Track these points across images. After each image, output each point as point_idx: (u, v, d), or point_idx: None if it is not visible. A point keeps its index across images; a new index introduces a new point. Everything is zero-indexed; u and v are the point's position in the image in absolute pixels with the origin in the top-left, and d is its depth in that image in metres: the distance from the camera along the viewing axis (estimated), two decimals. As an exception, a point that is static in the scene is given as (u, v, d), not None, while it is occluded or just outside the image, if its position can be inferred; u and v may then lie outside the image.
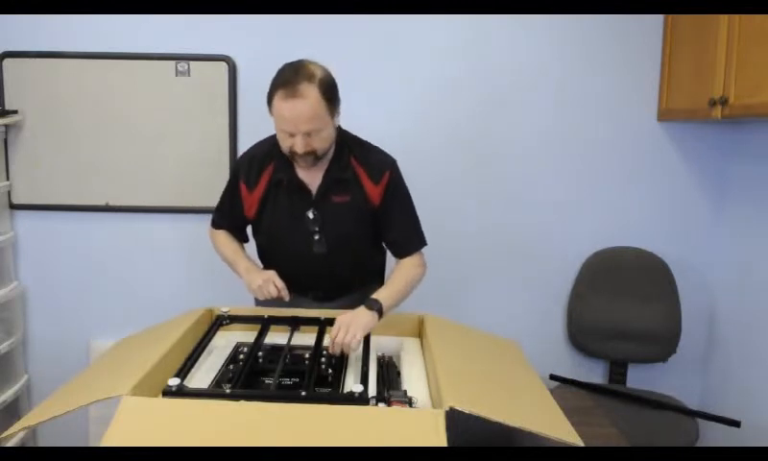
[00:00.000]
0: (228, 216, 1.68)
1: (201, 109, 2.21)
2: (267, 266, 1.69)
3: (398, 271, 1.61)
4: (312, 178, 1.56)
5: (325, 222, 1.56)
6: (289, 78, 1.39)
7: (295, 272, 1.58)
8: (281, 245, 1.61)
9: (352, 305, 1.50)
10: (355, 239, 1.62)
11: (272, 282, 1.48)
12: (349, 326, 1.35)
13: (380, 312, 1.44)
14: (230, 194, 1.65)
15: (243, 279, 1.56)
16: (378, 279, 1.76)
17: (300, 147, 1.42)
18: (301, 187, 1.56)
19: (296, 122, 1.40)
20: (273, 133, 1.52)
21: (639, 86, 2.24)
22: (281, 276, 1.53)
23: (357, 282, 1.69)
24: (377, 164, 1.58)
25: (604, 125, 2.26)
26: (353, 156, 1.57)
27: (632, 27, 2.20)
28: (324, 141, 1.46)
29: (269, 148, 1.58)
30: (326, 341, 1.38)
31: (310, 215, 1.56)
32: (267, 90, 1.44)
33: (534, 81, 2.24)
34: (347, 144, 1.58)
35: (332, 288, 1.67)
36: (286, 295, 1.49)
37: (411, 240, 1.64)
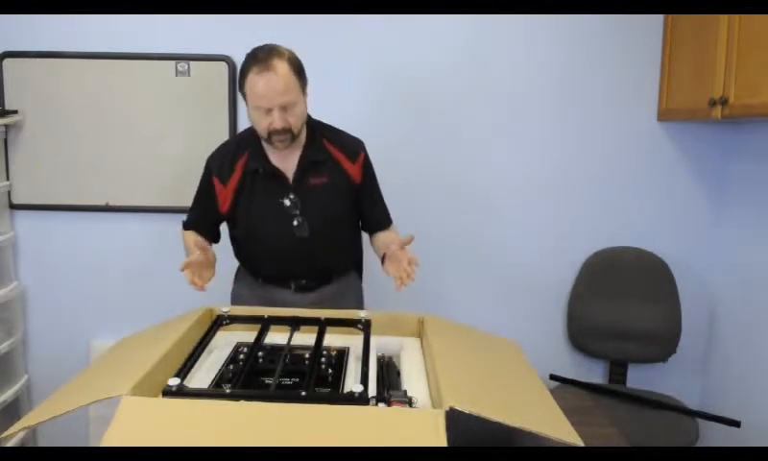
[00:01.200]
0: (200, 215, 1.69)
1: (201, 109, 2.21)
2: (246, 260, 1.73)
3: (388, 230, 1.72)
4: (286, 163, 1.59)
5: (305, 205, 1.59)
6: (261, 56, 1.45)
7: (275, 260, 1.62)
8: (260, 234, 1.62)
9: (333, 296, 1.62)
10: (336, 220, 1.65)
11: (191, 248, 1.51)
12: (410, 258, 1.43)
13: None
14: (204, 192, 1.66)
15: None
16: (357, 269, 1.80)
17: (278, 122, 1.46)
18: (277, 174, 1.58)
19: (271, 95, 1.44)
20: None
21: (639, 86, 2.24)
22: (262, 267, 1.61)
23: (338, 269, 1.71)
24: (351, 145, 1.65)
25: (604, 125, 2.26)
26: (326, 138, 1.62)
27: (632, 27, 2.20)
28: (298, 117, 1.50)
29: (240, 140, 1.64)
30: (325, 342, 1.38)
31: (287, 202, 1.58)
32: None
33: (534, 81, 2.24)
34: (317, 129, 1.63)
35: (314, 276, 1.68)
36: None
37: (388, 214, 1.75)
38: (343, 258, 1.72)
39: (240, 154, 1.60)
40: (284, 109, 1.46)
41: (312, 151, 1.59)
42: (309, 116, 1.62)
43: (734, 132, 2.22)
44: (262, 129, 1.50)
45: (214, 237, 1.73)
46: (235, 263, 1.79)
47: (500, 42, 2.22)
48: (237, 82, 1.49)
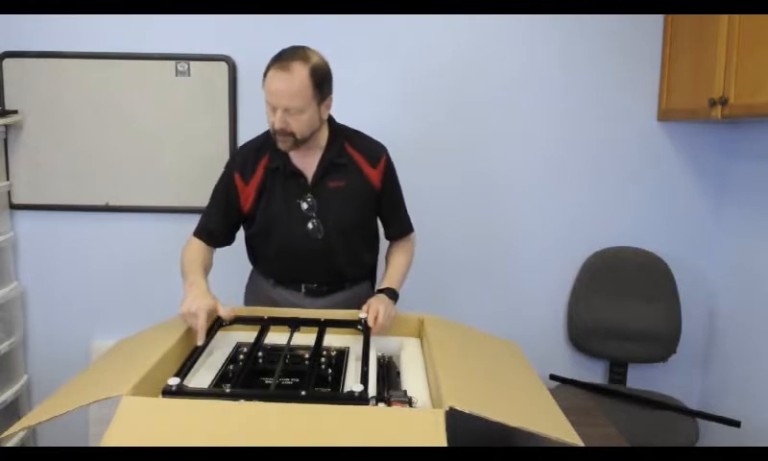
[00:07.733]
0: (220, 215, 1.64)
1: (201, 108, 2.21)
2: (259, 260, 1.71)
3: (401, 253, 1.72)
4: (307, 164, 1.59)
5: (321, 207, 1.58)
6: (285, 54, 1.45)
7: (288, 261, 1.61)
8: (277, 232, 1.61)
9: (344, 303, 1.60)
10: (351, 225, 1.63)
11: (195, 317, 1.34)
12: (386, 309, 1.46)
13: (396, 299, 1.58)
14: (224, 191, 1.64)
15: (184, 290, 1.46)
16: (370, 278, 1.79)
17: (277, 122, 1.46)
18: (297, 174, 1.58)
19: (278, 95, 1.44)
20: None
21: (639, 86, 2.24)
22: (274, 268, 1.60)
23: (351, 276, 1.70)
24: (373, 149, 1.65)
25: (604, 125, 2.26)
26: (348, 143, 1.62)
27: (632, 27, 2.20)
28: (302, 124, 1.48)
29: (263, 140, 1.62)
30: (325, 342, 1.38)
31: (304, 203, 1.58)
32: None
33: (534, 81, 2.24)
34: (341, 133, 1.62)
35: (326, 281, 1.67)
36: (200, 339, 1.33)
37: (408, 222, 1.75)
38: (356, 265, 1.70)
39: (263, 153, 1.60)
40: (287, 111, 1.45)
41: (332, 153, 1.58)
42: (332, 120, 1.62)
43: (734, 132, 2.22)
44: (269, 124, 1.51)
45: (226, 240, 1.68)
46: (242, 263, 1.77)
47: (500, 42, 2.22)
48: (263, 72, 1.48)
